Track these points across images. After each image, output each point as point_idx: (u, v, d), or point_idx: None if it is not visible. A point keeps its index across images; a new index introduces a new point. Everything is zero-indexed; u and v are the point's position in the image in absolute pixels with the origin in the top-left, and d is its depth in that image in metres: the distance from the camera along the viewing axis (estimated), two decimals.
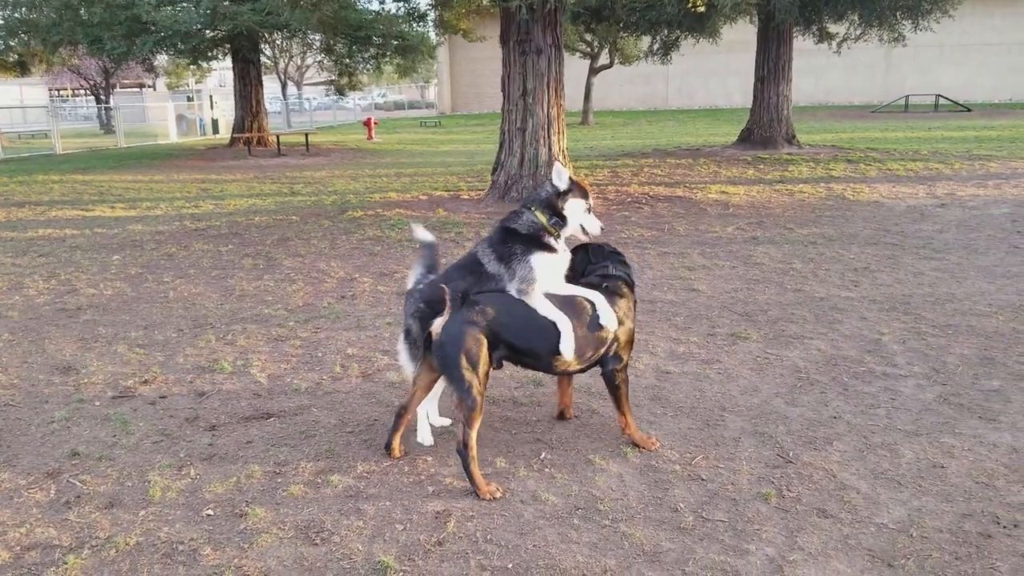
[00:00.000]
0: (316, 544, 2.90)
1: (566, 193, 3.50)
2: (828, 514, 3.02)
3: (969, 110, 30.34)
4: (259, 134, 22.13)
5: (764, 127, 16.62)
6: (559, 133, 10.20)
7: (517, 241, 3.43)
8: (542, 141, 10.04)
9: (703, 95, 42.81)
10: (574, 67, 29.67)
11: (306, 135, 22.32)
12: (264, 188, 13.39)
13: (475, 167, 15.54)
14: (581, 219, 3.54)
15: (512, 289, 3.38)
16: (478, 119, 37.28)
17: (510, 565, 2.75)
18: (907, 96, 32.83)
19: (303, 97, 50.77)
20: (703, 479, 3.32)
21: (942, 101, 31.90)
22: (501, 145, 10.44)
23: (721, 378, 4.40)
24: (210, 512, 3.13)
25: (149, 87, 51.70)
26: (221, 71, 52.06)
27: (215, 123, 30.95)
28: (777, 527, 2.94)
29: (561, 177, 3.49)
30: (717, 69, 40.37)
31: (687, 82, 42.57)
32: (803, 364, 4.56)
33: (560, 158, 10.15)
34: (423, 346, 3.35)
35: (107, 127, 35.87)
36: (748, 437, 3.68)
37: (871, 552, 2.77)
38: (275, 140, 21.29)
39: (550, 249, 3.44)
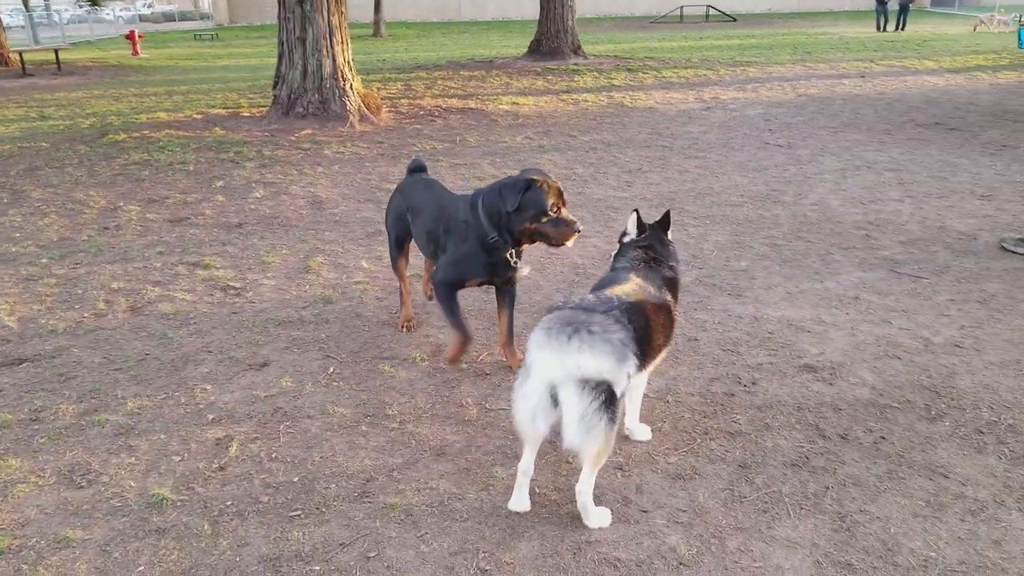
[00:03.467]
0: (82, 487, 2.71)
1: None
2: None
3: (735, 20, 32.69)
4: None
5: (551, 38, 16.90)
6: (343, 43, 9.75)
7: None
8: (325, 51, 9.55)
9: (494, 6, 42.61)
10: None
11: (56, 51, 19.68)
12: (6, 113, 11.72)
13: (258, 82, 14.53)
14: None
15: None
16: (260, 31, 34.70)
17: (296, 479, 2.74)
18: (681, 7, 34.70)
19: (51, 9, 44.41)
20: (487, 374, 3.46)
21: (712, 12, 34.07)
22: (280, 57, 9.81)
23: None
24: None
25: None
26: None
27: None
28: None
29: None
30: None
31: None
32: (581, 261, 4.84)
33: (346, 70, 9.75)
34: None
35: None
36: (531, 332, 3.86)
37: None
38: (18, 58, 18.57)
39: None
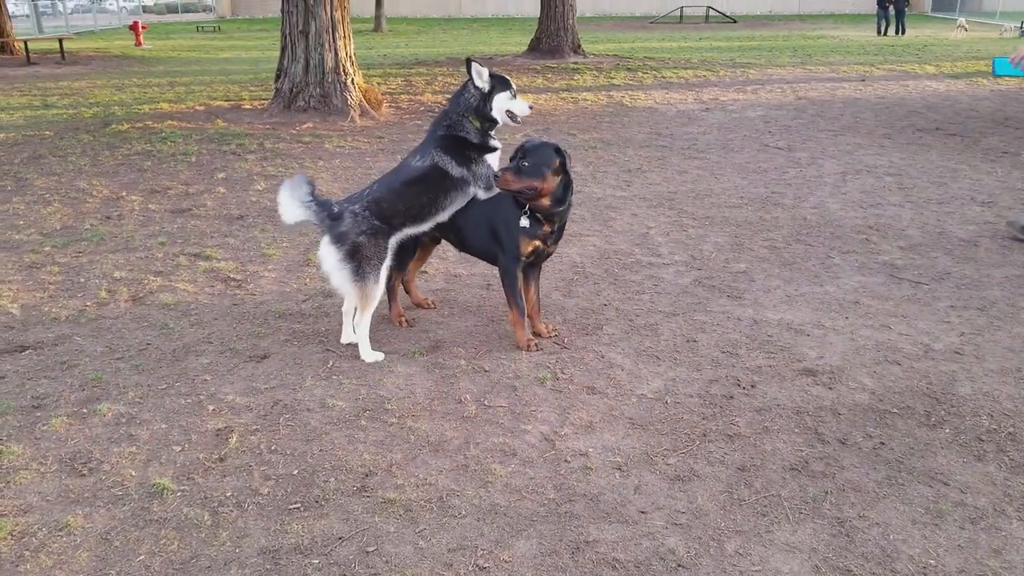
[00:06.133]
0: (83, 475, 2.73)
1: (490, 93, 3.56)
2: (596, 390, 3.30)
3: (735, 21, 32.69)
4: (2, 40, 19.14)
5: (552, 36, 16.90)
6: (345, 37, 9.75)
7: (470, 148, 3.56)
8: (327, 45, 9.55)
9: (495, 3, 42.55)
10: None
11: (60, 41, 19.60)
12: (11, 101, 11.71)
13: (259, 75, 14.52)
14: (508, 107, 3.62)
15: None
16: (262, 24, 34.63)
17: (295, 471, 2.76)
18: (681, 8, 34.67)
19: None
20: (486, 371, 3.47)
21: (712, 13, 34.07)
22: (283, 50, 9.81)
23: None
24: None
25: None
26: None
27: None
28: (551, 407, 3.17)
29: (482, 77, 3.54)
30: None
31: None
32: (580, 260, 4.85)
33: (347, 64, 9.75)
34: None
35: None
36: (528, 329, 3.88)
37: (631, 420, 3.07)
38: (23, 47, 18.52)
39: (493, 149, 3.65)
